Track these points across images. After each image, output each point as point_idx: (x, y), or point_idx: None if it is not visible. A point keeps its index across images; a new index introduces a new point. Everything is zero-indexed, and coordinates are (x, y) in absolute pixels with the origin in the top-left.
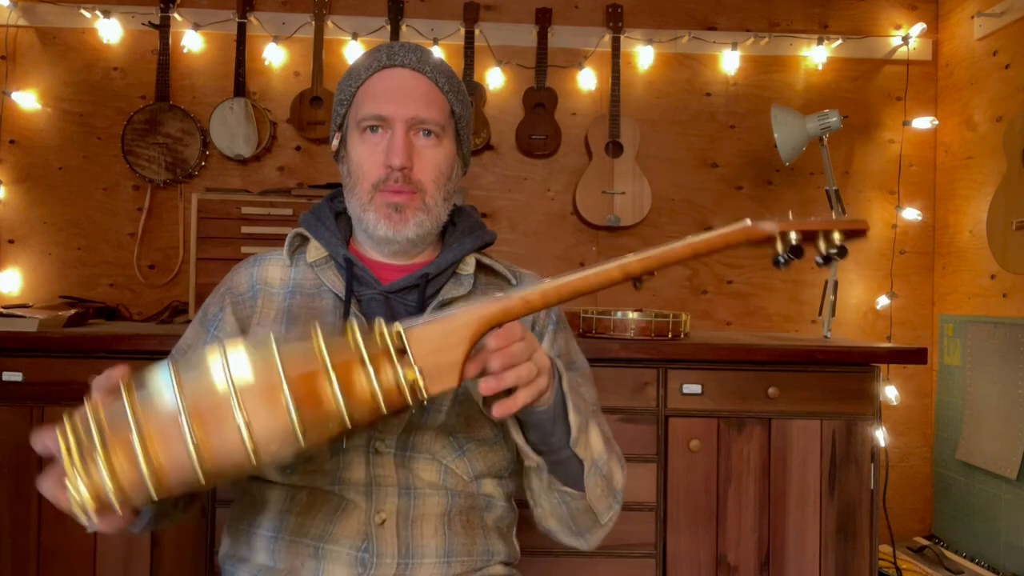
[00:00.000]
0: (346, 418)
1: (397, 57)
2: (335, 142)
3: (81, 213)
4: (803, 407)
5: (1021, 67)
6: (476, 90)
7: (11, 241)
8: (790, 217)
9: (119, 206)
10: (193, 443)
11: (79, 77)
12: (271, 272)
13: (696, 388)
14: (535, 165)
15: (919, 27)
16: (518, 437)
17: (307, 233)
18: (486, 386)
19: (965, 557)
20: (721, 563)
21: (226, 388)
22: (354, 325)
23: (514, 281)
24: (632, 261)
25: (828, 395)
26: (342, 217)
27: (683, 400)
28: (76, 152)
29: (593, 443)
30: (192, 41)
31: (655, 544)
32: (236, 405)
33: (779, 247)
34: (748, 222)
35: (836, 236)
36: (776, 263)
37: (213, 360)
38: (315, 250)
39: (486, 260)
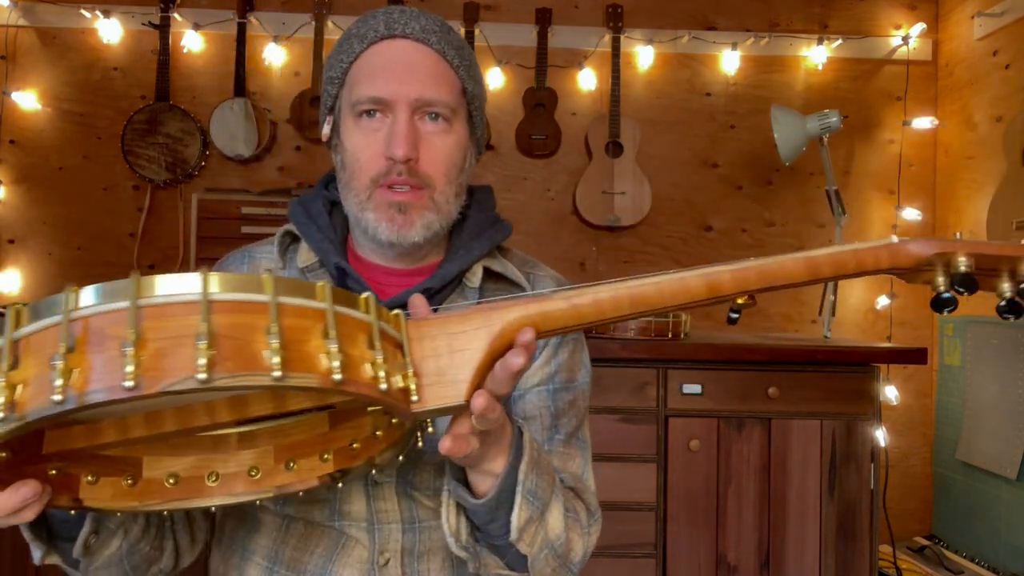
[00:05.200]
0: (336, 376)
1: (397, 25)
2: (326, 128)
3: (81, 213)
4: (803, 407)
5: (1021, 67)
6: None
7: (11, 241)
8: (958, 237)
9: (119, 206)
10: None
11: (79, 77)
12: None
13: (696, 388)
14: (535, 165)
15: (919, 27)
16: (449, 518)
17: (297, 231)
18: (480, 403)
19: (965, 557)
20: (721, 563)
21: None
22: (370, 300)
23: (528, 288)
24: (723, 274)
25: (828, 395)
26: (337, 209)
27: (683, 400)
28: (76, 152)
29: (551, 526)
30: (192, 41)
31: (655, 544)
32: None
33: (941, 279)
34: (895, 239)
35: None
36: (938, 304)
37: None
38: (306, 253)
39: (496, 267)
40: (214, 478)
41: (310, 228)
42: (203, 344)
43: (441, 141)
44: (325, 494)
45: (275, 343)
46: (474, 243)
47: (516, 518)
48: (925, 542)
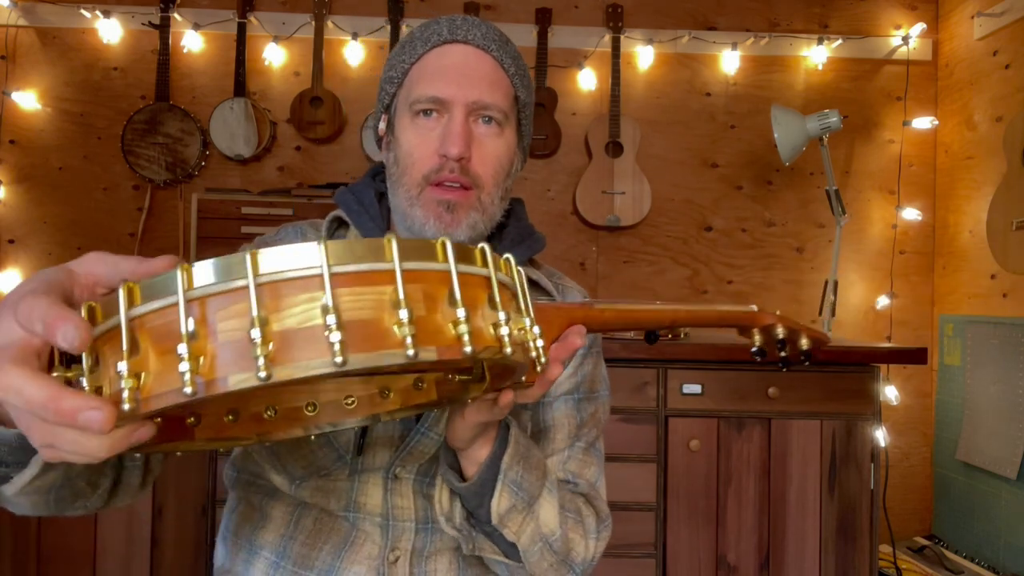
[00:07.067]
0: (467, 348)
1: (460, 31)
2: (382, 125)
3: (81, 213)
4: (803, 407)
5: (1021, 67)
6: None
7: (11, 241)
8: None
9: (119, 206)
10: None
11: (79, 77)
12: None
13: (696, 388)
14: (535, 165)
15: (919, 27)
16: (442, 500)
17: (347, 218)
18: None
19: (965, 557)
20: (721, 563)
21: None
22: (486, 249)
23: (558, 298)
24: (680, 311)
25: (828, 395)
26: (382, 202)
27: (683, 400)
28: (76, 152)
29: (543, 520)
30: (192, 41)
31: (655, 544)
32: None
33: (758, 338)
34: (755, 307)
35: (804, 342)
36: (758, 353)
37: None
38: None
39: (533, 275)
40: (194, 420)
41: (362, 216)
42: (333, 323)
43: (492, 143)
44: (344, 483)
45: (405, 316)
46: (516, 250)
47: (496, 504)
48: (925, 542)
